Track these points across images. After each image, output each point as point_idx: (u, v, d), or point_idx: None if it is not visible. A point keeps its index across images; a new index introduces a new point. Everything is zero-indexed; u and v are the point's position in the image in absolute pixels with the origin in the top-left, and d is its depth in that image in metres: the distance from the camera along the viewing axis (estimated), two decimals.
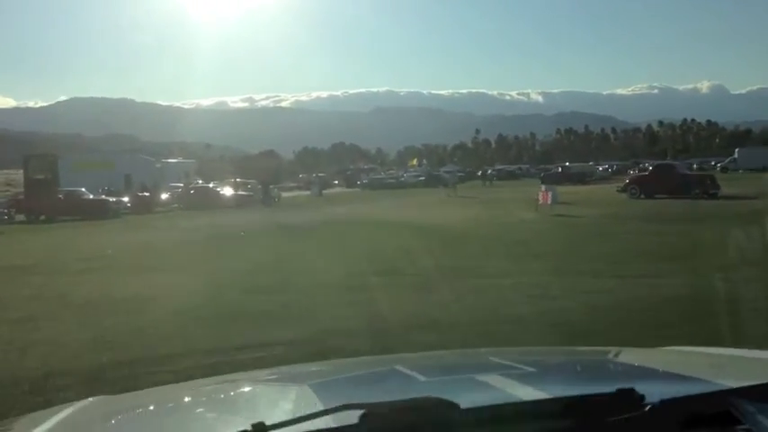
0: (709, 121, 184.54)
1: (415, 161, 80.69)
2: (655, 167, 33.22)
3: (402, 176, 70.27)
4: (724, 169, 72.80)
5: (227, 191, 40.75)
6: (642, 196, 29.94)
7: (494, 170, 69.75)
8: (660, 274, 9.84)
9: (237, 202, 37.55)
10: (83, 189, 36.21)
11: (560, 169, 60.18)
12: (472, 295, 8.77)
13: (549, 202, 23.41)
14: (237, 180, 49.25)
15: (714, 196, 28.52)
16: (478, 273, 10.45)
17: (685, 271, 9.73)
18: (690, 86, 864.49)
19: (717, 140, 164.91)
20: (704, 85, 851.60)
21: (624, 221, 19.76)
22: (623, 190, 31.41)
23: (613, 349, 2.39)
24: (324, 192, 54.00)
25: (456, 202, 34.63)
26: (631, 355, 2.39)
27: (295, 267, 12.21)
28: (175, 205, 38.75)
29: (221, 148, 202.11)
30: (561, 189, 44.72)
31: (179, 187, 44.57)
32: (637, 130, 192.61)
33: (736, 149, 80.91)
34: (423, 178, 66.78)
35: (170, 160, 68.64)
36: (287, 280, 10.46)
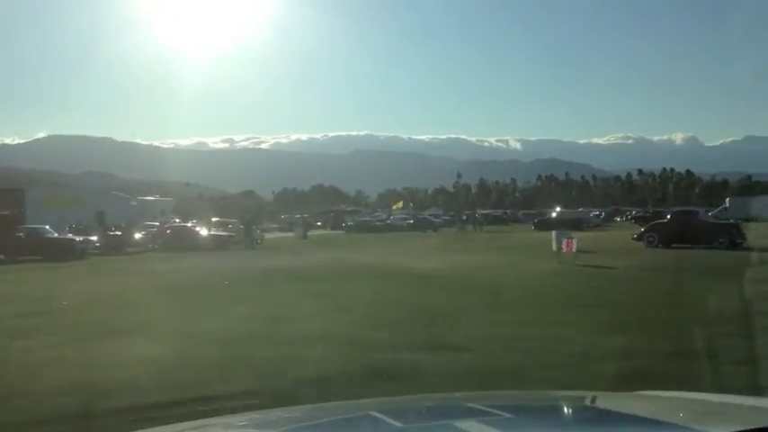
0: (688, 171, 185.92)
1: (401, 203, 78.26)
2: (675, 214, 30.46)
3: (389, 219, 67.67)
4: (715, 218, 71.66)
5: (207, 231, 37.59)
6: (660, 245, 27.46)
7: (480, 214, 67.28)
8: None
9: (217, 244, 34.54)
10: (47, 227, 32.90)
11: (553, 214, 57.83)
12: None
13: (573, 250, 20.68)
14: (217, 219, 46.23)
15: (739, 246, 26.12)
16: (554, 346, 7.66)
17: None
18: (665, 137, 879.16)
19: (696, 190, 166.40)
20: (678, 137, 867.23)
21: (665, 274, 17.27)
22: (639, 238, 28.85)
23: (589, 394, 2.39)
24: (308, 233, 51.07)
25: (464, 246, 31.97)
26: (607, 401, 2.38)
27: (297, 337, 8.96)
28: (150, 246, 35.57)
29: (200, 187, 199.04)
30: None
31: (155, 226, 41.43)
32: (617, 178, 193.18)
33: (727, 199, 79.92)
34: (410, 221, 64.25)
35: (146, 198, 65.19)
36: (289, 363, 7.43)
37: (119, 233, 36.10)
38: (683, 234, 27.23)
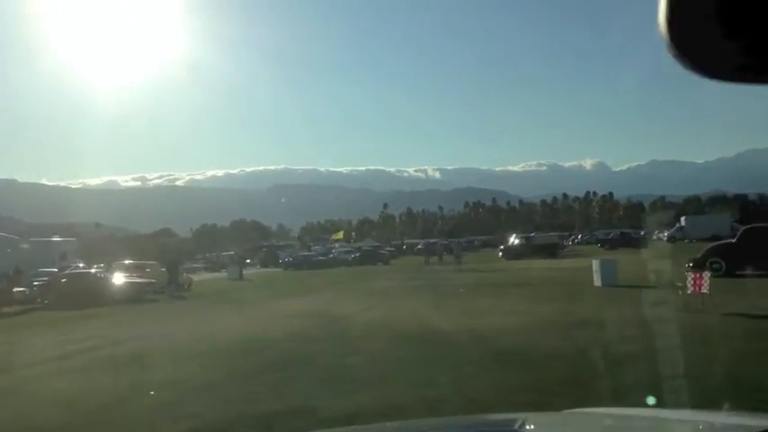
0: (610, 194, 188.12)
1: (341, 234, 70.43)
2: (746, 232, 23.44)
3: (331, 253, 59.85)
4: (671, 239, 68.13)
5: (118, 277, 28.72)
6: (725, 274, 20.87)
7: (442, 243, 60.27)
8: None
9: (132, 293, 26.07)
10: None
11: (516, 241, 51.14)
12: None
13: (704, 289, 13.38)
14: (132, 262, 37.25)
15: None
16: None
17: None
18: (575, 163, 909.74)
19: (620, 212, 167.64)
20: (588, 163, 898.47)
21: None
22: (698, 265, 22.00)
23: (521, 416, 2.29)
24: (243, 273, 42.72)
25: (460, 283, 24.75)
26: (540, 420, 2.37)
27: None
28: (39, 301, 26.59)
29: (112, 228, 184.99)
30: (553, 264, 36.07)
31: (52, 274, 32.17)
32: (543, 202, 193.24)
33: (682, 218, 76.49)
34: (356, 255, 56.67)
35: (42, 240, 54.71)
36: None
37: None
38: (759, 259, 20.73)
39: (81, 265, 45.21)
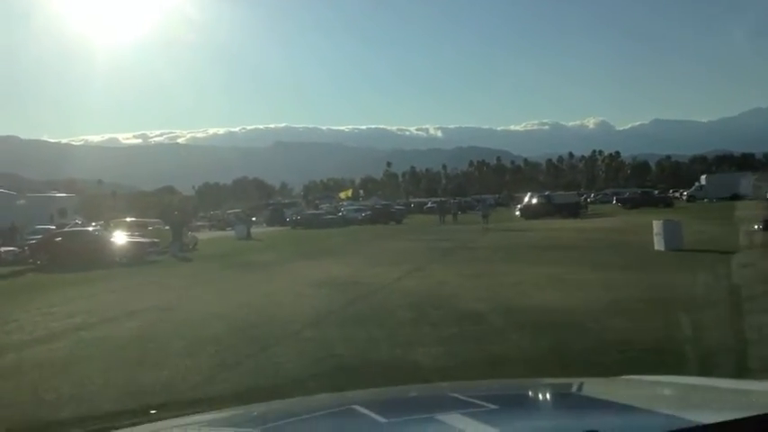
0: (617, 152, 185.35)
1: (349, 192, 67.70)
2: None
3: (340, 212, 57.37)
4: (691, 198, 65.68)
5: (119, 236, 26.27)
6: None
7: (454, 201, 57.51)
8: None
9: (135, 254, 23.75)
10: None
11: (534, 200, 48.33)
12: None
13: None
14: (134, 220, 34.81)
15: None
16: None
17: None
18: (578, 123, 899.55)
19: (628, 171, 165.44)
20: (591, 122, 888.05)
21: None
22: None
23: (575, 381, 2.35)
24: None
25: (495, 244, 22.39)
26: (593, 387, 2.31)
27: None
28: (32, 262, 24.25)
29: (113, 185, 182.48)
30: (581, 224, 33.70)
31: (50, 231, 29.75)
32: (549, 161, 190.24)
33: (702, 176, 73.67)
34: (367, 213, 54.15)
35: (40, 195, 52.16)
36: None
37: None
38: None
39: (80, 222, 42.88)
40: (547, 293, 11.09)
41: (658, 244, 17.87)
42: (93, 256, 22.91)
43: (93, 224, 34.13)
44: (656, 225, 18.34)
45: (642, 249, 17.96)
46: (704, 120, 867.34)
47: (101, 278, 17.97)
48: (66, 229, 28.85)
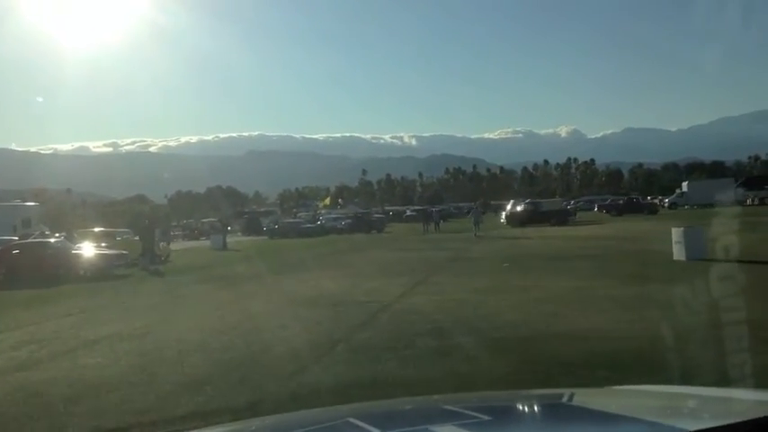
0: (592, 160, 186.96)
1: (328, 200, 65.76)
2: None
3: (319, 220, 55.41)
4: (672, 205, 64.94)
5: (84, 248, 24.08)
6: None
7: (436, 210, 55.79)
8: None
9: (100, 267, 21.66)
10: None
11: (518, 207, 46.86)
12: None
13: None
14: (101, 230, 32.54)
15: None
16: None
17: None
18: (550, 131, 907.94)
19: (603, 179, 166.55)
20: (563, 130, 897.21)
21: None
22: None
23: (566, 392, 2.33)
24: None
25: (513, 256, 20.67)
26: (583, 398, 2.32)
27: None
28: None
29: (83, 194, 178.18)
30: (575, 232, 32.30)
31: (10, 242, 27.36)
32: (525, 170, 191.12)
33: (684, 183, 73.19)
34: (347, 221, 52.29)
35: (0, 204, 49.41)
36: None
37: None
38: None
39: (47, 231, 40.35)
40: (590, 314, 9.35)
41: (678, 253, 16.34)
42: (54, 270, 20.78)
43: (57, 235, 31.74)
44: (676, 233, 16.80)
45: (661, 258, 16.41)
46: (674, 128, 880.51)
47: (60, 296, 15.89)
48: (25, 241, 26.54)
